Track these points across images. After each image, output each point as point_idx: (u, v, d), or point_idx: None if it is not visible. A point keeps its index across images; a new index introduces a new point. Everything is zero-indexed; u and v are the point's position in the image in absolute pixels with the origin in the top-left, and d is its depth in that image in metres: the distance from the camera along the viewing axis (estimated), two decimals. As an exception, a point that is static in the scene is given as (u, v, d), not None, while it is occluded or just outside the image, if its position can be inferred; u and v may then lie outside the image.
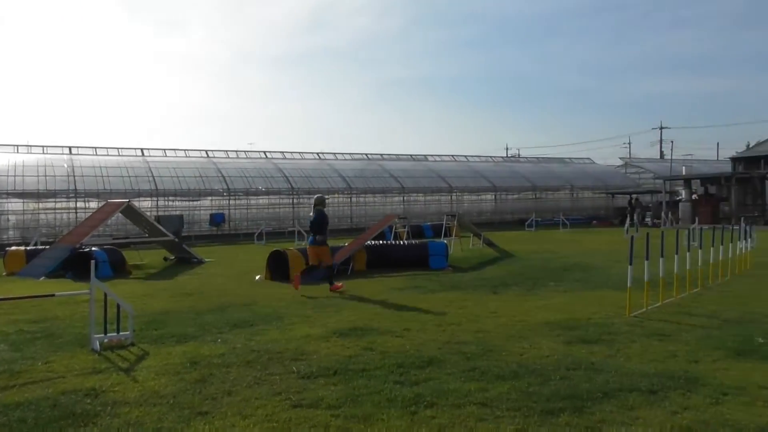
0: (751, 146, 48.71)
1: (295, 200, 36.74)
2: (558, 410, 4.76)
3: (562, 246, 21.60)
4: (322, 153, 42.79)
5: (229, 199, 35.08)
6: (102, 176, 32.24)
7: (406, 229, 23.45)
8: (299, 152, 41.96)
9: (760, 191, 35.25)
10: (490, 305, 9.63)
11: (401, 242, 18.35)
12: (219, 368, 6.28)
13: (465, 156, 48.15)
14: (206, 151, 38.71)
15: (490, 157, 51.20)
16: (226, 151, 39.52)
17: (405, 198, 40.01)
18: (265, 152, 40.60)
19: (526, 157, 55.43)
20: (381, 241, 17.70)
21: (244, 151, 40.22)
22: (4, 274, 16.54)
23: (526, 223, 35.22)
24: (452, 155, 47.68)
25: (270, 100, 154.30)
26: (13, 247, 19.64)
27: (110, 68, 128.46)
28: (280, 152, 41.23)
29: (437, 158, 46.58)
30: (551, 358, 6.33)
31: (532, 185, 44.57)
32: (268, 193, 36.19)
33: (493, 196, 43.43)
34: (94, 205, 29.06)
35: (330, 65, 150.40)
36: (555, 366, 6.02)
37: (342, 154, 43.67)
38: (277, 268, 14.16)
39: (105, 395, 5.46)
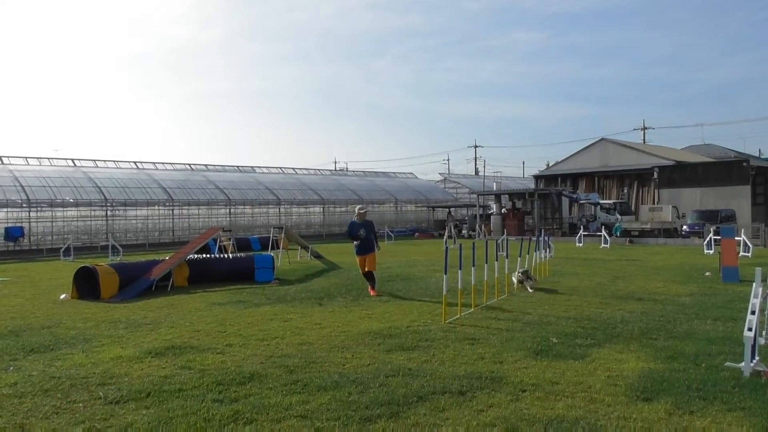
0: (550, 165, 55.05)
1: (109, 212, 34.00)
2: (376, 416, 4.94)
3: (386, 257, 22.46)
4: (141, 162, 40.17)
5: (29, 211, 31.44)
6: None
7: (231, 242, 22.83)
8: (114, 161, 39.00)
9: (557, 206, 39.81)
10: (315, 317, 9.71)
11: (226, 256, 17.81)
12: (10, 399, 5.60)
13: (293, 168, 48.34)
14: (1, 158, 34.33)
15: (319, 170, 51.90)
16: (26, 157, 35.42)
17: (231, 210, 38.95)
18: (73, 160, 37.08)
19: (354, 171, 57.00)
20: (205, 255, 17.04)
21: (48, 158, 36.36)
22: None
23: (354, 236, 36.02)
24: (280, 167, 47.56)
25: (83, 104, 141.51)
26: None
27: None
28: (92, 160, 37.95)
29: (265, 170, 46.10)
30: (371, 367, 6.55)
31: (359, 198, 45.89)
32: (77, 204, 33.08)
33: (321, 209, 43.98)
34: None
35: (151, 73, 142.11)
36: (374, 374, 6.24)
37: (163, 163, 41.39)
38: (86, 285, 12.99)
39: None
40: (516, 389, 5.68)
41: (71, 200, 32.70)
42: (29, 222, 31.42)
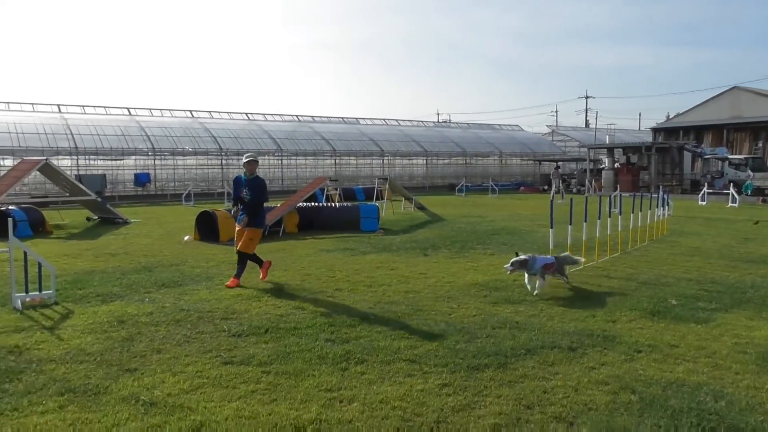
0: (670, 117, 51.30)
1: (224, 161, 35.87)
2: (483, 366, 5.00)
3: (490, 211, 22.26)
4: (251, 113, 41.81)
5: (154, 159, 33.85)
6: (17, 133, 30.34)
7: (337, 192, 23.46)
8: (227, 112, 40.85)
9: (678, 161, 37.19)
10: (420, 267, 9.87)
11: (333, 205, 18.37)
12: (147, 327, 6.21)
13: (397, 120, 48.33)
14: (128, 108, 37.02)
15: (422, 121, 51.58)
16: (150, 109, 37.95)
17: (336, 161, 39.86)
18: (190, 111, 39.25)
19: (457, 123, 56.14)
20: (312, 204, 17.66)
21: (169, 110, 38.72)
22: None
23: (456, 188, 35.94)
24: (384, 119, 47.75)
25: (197, 57, 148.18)
26: None
27: (25, 18, 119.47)
28: (207, 111, 39.99)
29: (369, 122, 46.50)
30: (478, 318, 6.61)
31: (462, 150, 45.35)
32: (195, 153, 35.14)
33: (425, 161, 43.95)
34: (9, 163, 27.42)
35: (261, 24, 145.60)
36: (481, 325, 6.30)
37: (272, 115, 42.84)
38: (206, 228, 13.93)
39: (29, 353, 5.32)
40: (630, 349, 5.50)
41: (190, 149, 34.80)
42: (154, 169, 33.89)
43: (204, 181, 35.31)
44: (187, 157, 35.10)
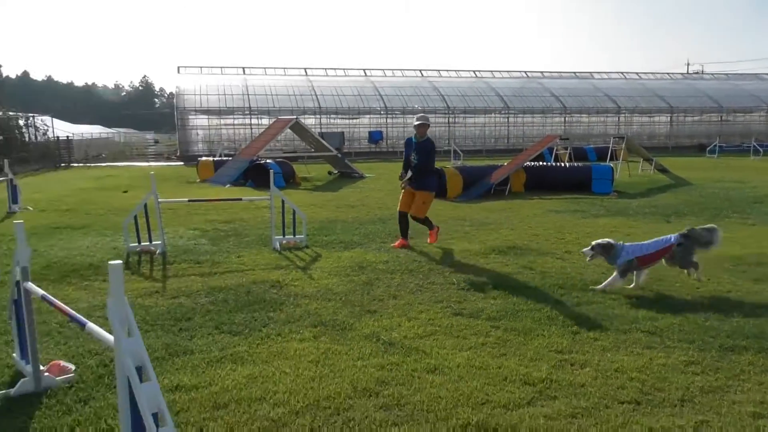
0: None
1: (451, 119, 36.54)
2: (740, 348, 4.43)
3: (752, 175, 19.35)
4: (479, 71, 41.69)
5: (386, 117, 35.79)
6: (272, 95, 34.35)
7: (567, 151, 22.46)
8: (455, 70, 41.30)
9: None
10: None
11: (562, 164, 17.66)
12: (384, 274, 6.70)
13: (636, 73, 44.25)
14: (364, 70, 39.46)
15: (668, 74, 46.49)
16: (383, 69, 39.99)
17: (567, 118, 38.07)
18: (420, 70, 40.46)
19: (711, 74, 49.53)
20: (540, 163, 17.18)
21: (400, 70, 40.41)
22: (197, 180, 18.79)
23: (708, 149, 31.94)
24: (621, 72, 44.05)
25: (424, 17, 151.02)
26: (204, 158, 21.98)
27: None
28: (436, 70, 40.86)
29: (604, 76, 43.33)
30: (733, 294, 5.90)
31: (717, 106, 40.07)
32: (424, 111, 36.30)
33: (668, 118, 39.82)
34: (265, 121, 31.23)
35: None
36: (737, 303, 5.60)
37: (500, 71, 42.20)
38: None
39: (287, 288, 6.11)
40: None
41: (419, 107, 36.04)
42: (386, 127, 35.88)
43: (434, 139, 36.41)
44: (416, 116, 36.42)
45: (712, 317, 5.14)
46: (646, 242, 6.22)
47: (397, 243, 8.25)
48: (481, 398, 3.65)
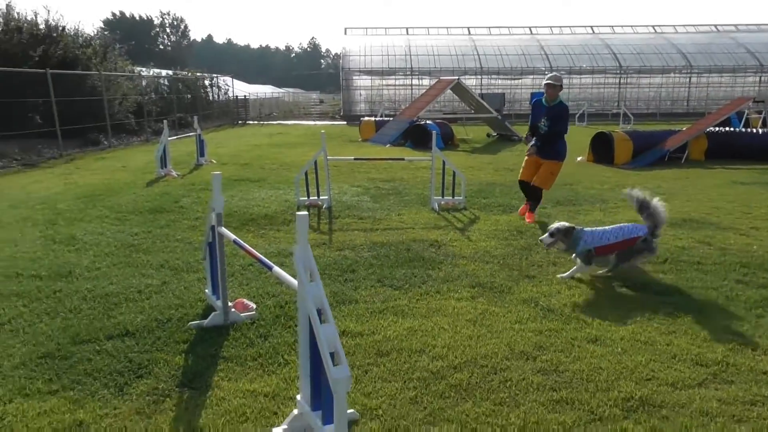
0: None
1: (622, 80, 34.08)
2: None
3: None
4: (659, 26, 38.15)
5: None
6: (434, 55, 34.35)
7: (761, 116, 19.99)
8: (631, 26, 38.16)
9: None
10: None
11: (754, 131, 15.77)
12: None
13: None
14: (530, 27, 37.92)
15: None
16: (550, 27, 38.15)
17: (763, 78, 33.69)
18: (591, 27, 37.97)
19: None
20: (726, 129, 15.50)
21: (569, 26, 38.29)
22: (359, 140, 19.56)
23: None
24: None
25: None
26: (366, 118, 22.79)
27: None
28: (609, 26, 38.09)
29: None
30: None
31: None
32: (592, 71, 34.22)
33: None
34: (426, 82, 31.41)
35: None
36: None
37: (683, 26, 38.28)
38: (600, 150, 13.67)
39: (445, 248, 6.25)
40: None
41: (587, 67, 34.02)
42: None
43: (599, 101, 34.34)
44: (584, 76, 34.48)
45: None
46: (608, 229, 5.31)
47: (528, 217, 7.48)
48: (645, 374, 3.52)
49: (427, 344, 3.88)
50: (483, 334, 4.06)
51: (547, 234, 5.36)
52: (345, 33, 37.29)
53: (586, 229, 5.32)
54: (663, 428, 2.97)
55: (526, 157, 7.66)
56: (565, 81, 33.94)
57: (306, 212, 2.67)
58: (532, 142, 7.51)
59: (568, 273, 5.30)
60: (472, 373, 3.50)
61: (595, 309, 4.56)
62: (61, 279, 5.11)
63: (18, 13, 18.65)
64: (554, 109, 7.20)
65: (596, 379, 3.45)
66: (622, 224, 5.38)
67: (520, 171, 7.72)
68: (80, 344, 3.83)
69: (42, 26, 18.71)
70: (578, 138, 18.98)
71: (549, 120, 7.20)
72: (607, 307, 4.59)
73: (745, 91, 32.20)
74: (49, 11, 23.84)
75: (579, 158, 13.97)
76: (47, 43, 18.03)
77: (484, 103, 20.70)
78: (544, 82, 7.26)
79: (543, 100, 7.27)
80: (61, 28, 19.37)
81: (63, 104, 15.83)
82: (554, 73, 7.53)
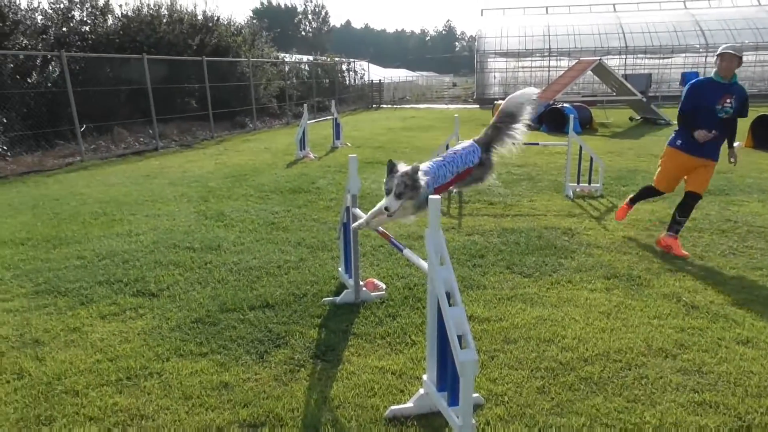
0: None
1: (792, 57, 30.42)
2: None
3: None
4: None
5: (706, 56, 31.36)
6: (574, 35, 32.76)
7: None
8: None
9: None
10: None
11: None
12: (689, 232, 6.09)
13: None
14: (684, 1, 34.87)
15: None
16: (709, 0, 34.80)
17: None
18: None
19: None
20: None
21: (731, -1, 34.69)
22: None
23: None
24: None
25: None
26: (499, 101, 22.36)
27: None
28: (780, -3, 34.03)
29: None
30: None
31: None
32: (756, 48, 30.82)
33: None
34: (565, 63, 30.08)
35: None
36: None
37: None
38: (763, 135, 12.37)
39: (579, 236, 6.02)
40: None
41: (750, 43, 30.71)
42: (704, 67, 31.50)
43: (762, 81, 30.95)
44: (747, 53, 31.14)
45: None
46: (442, 161, 3.90)
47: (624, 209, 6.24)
48: (804, 383, 3.19)
49: (557, 334, 3.79)
50: (617, 327, 3.89)
51: (388, 198, 3.59)
52: (481, 14, 36.67)
53: (422, 166, 3.73)
54: (823, 444, 2.69)
55: (672, 158, 5.67)
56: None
57: (438, 196, 2.71)
58: (709, 134, 5.42)
59: (359, 222, 3.94)
60: (604, 367, 3.38)
61: (746, 308, 4.19)
62: (211, 251, 5.60)
63: (180, 5, 20.34)
64: (738, 88, 5.46)
65: (746, 383, 3.19)
66: (456, 150, 4.10)
67: (665, 177, 5.73)
68: (226, 312, 4.19)
69: (200, 17, 20.25)
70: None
71: (736, 101, 5.43)
72: (762, 306, 4.20)
73: None
74: (206, 2, 25.75)
75: (736, 143, 12.71)
76: (203, 33, 19.51)
77: (628, 85, 19.45)
78: (720, 51, 5.37)
79: (715, 76, 5.45)
80: (216, 18, 20.87)
81: (215, 89, 17.15)
82: (733, 44, 5.74)
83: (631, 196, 6.22)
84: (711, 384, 3.19)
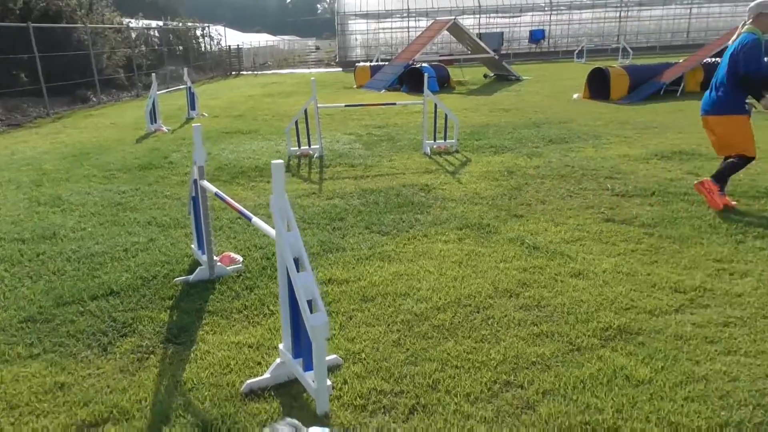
0: None
1: (623, 13, 33.19)
2: None
3: None
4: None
5: (550, 14, 33.39)
6: (428, -6, 33.41)
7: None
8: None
9: None
10: None
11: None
12: (533, 179, 6.55)
13: None
14: (528, -38, 36.63)
15: None
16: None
17: (764, 5, 32.74)
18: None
19: None
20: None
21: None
22: (354, 86, 19.28)
23: None
24: None
25: None
26: (361, 63, 22.39)
27: None
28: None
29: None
30: None
31: None
32: (593, 6, 33.28)
33: None
34: (423, 24, 30.69)
35: None
36: None
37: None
38: (597, 86, 13.46)
39: (435, 191, 6.25)
40: None
41: (588, 2, 33.10)
42: (549, 25, 33.55)
43: (599, 36, 33.56)
44: (584, 11, 33.58)
45: None
46: None
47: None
48: (625, 303, 3.58)
49: (412, 287, 3.93)
50: (468, 274, 4.10)
51: None
52: (338, -25, 36.24)
53: None
54: (638, 353, 3.04)
55: (746, 124, 5.23)
56: (564, 17, 33.32)
57: (281, 161, 2.66)
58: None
59: None
60: (455, 313, 3.56)
61: (580, 244, 4.59)
62: (45, 241, 5.12)
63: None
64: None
65: (576, 311, 3.51)
66: None
67: (754, 142, 5.26)
68: (63, 306, 3.85)
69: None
70: (575, 75, 18.70)
71: None
72: (592, 242, 4.63)
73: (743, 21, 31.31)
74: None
75: (575, 95, 13.79)
76: (26, -5, 17.50)
77: (481, 43, 20.27)
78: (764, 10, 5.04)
79: (759, 34, 5.07)
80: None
81: (48, 60, 15.48)
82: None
83: (714, 177, 5.28)
84: (548, 316, 3.48)
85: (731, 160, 5.30)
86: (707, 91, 5.50)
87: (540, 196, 5.92)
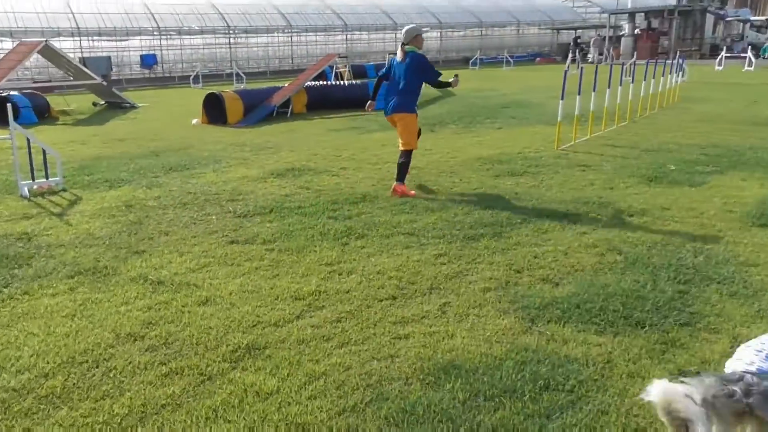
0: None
1: (232, 40, 34.77)
2: (479, 236, 5.13)
3: (504, 84, 21.65)
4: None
5: (160, 39, 32.84)
6: (14, 13, 29.38)
7: (347, 69, 22.83)
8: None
9: (700, 25, 35.41)
10: (426, 143, 9.74)
11: (342, 83, 17.93)
12: (155, 210, 6.32)
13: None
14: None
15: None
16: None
17: (348, 36, 38.37)
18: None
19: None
20: (321, 83, 17.25)
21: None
22: None
23: (471, 62, 34.85)
24: (396, -11, 45.19)
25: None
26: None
27: None
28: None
29: (382, -8, 44.10)
30: (478, 190, 6.64)
31: (478, 21, 43.29)
32: (202, 32, 33.96)
33: (439, 34, 42.15)
34: (9, 45, 26.81)
35: None
36: (481, 197, 6.35)
37: (279, -12, 40.74)
38: (214, 111, 13.78)
39: (38, 238, 5.47)
40: (623, 214, 5.69)
41: (197, 28, 33.64)
42: (161, 50, 32.99)
43: (212, 62, 34.45)
44: (194, 37, 34.01)
45: (460, 213, 5.81)
46: None
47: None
48: (252, 321, 3.70)
49: (9, 358, 3.34)
50: (83, 327, 3.69)
51: None
52: None
53: None
54: (266, 366, 3.17)
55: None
56: (175, 42, 33.16)
57: None
58: None
59: None
60: (68, 374, 3.16)
61: (206, 270, 4.59)
62: None
63: None
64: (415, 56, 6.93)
65: (205, 339, 3.49)
66: None
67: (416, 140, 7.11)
68: None
69: None
70: (192, 100, 18.78)
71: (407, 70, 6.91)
72: (218, 266, 4.67)
73: (335, 48, 36.22)
74: None
75: (194, 121, 13.85)
76: None
77: (84, 68, 18.68)
78: (420, 32, 7.00)
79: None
80: None
81: None
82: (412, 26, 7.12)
83: (398, 179, 6.64)
84: (177, 351, 3.37)
85: (401, 161, 6.68)
86: (388, 97, 6.95)
87: (162, 227, 5.73)
